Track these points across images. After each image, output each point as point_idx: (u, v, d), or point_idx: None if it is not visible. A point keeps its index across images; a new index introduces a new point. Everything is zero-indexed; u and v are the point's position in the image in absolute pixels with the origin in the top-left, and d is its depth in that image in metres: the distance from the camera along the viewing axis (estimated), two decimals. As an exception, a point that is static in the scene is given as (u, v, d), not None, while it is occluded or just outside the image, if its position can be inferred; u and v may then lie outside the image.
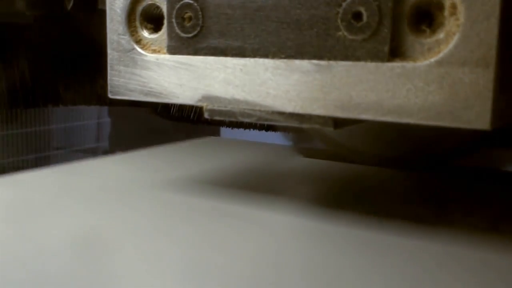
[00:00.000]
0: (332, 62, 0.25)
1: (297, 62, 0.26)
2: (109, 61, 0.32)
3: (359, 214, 0.33)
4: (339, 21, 0.25)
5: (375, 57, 0.24)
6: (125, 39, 0.31)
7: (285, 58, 0.27)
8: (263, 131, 0.79)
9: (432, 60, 0.23)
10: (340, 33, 0.25)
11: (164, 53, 0.30)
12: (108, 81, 0.32)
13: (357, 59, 0.25)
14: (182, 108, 0.81)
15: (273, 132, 0.79)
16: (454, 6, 0.23)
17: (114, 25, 0.32)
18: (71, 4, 0.65)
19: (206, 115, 0.29)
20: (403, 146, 0.48)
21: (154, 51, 0.31)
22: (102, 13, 0.33)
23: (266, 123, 0.28)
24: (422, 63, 0.23)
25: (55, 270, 0.25)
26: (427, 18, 0.24)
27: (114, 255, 0.27)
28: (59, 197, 0.37)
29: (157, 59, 0.30)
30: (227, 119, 0.29)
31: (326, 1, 0.25)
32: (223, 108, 0.29)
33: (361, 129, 0.46)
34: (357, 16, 0.24)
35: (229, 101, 0.28)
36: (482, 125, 0.22)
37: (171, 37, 0.30)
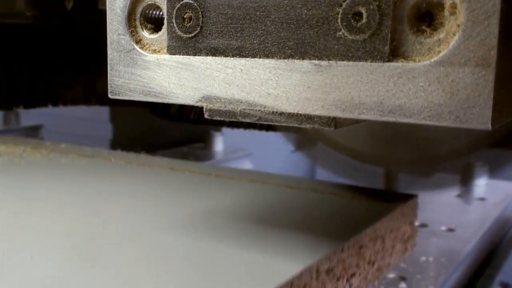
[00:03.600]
0: (332, 62, 0.25)
1: (298, 62, 0.26)
2: (109, 61, 0.32)
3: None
4: (339, 21, 0.25)
5: (376, 57, 0.24)
6: (125, 39, 0.31)
7: (285, 58, 0.27)
8: (264, 131, 0.79)
9: (433, 60, 0.23)
10: (340, 33, 0.25)
11: (164, 53, 0.30)
12: (109, 81, 0.32)
13: (358, 59, 0.25)
14: (182, 108, 0.81)
15: (273, 132, 0.79)
16: (454, 6, 0.23)
17: (114, 25, 0.32)
18: (71, 4, 0.64)
19: (206, 115, 0.29)
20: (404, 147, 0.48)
21: (154, 51, 0.31)
22: (102, 13, 0.33)
23: (266, 123, 0.28)
24: (422, 63, 0.23)
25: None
26: (427, 18, 0.24)
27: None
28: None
29: (157, 59, 0.30)
30: (227, 119, 0.29)
31: (327, 1, 0.25)
32: (223, 108, 0.29)
33: (362, 130, 0.46)
34: (357, 16, 0.24)
35: (229, 101, 0.28)
36: (482, 125, 0.22)
37: (171, 37, 0.30)
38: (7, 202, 0.44)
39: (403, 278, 0.36)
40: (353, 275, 0.35)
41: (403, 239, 0.43)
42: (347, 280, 0.34)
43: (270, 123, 0.28)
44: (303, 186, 0.49)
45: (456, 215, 0.53)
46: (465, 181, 0.68)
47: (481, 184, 0.67)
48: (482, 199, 0.61)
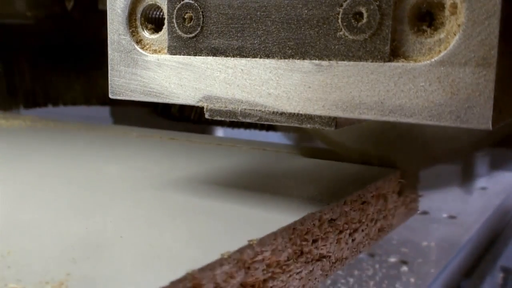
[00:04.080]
0: (333, 62, 0.25)
1: (298, 62, 0.26)
2: (109, 62, 0.32)
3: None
4: (339, 21, 0.25)
5: (376, 57, 0.24)
6: (126, 40, 0.31)
7: (286, 58, 0.27)
8: (264, 131, 0.79)
9: (433, 60, 0.23)
10: (341, 33, 0.25)
11: (165, 54, 0.30)
12: (109, 82, 0.32)
13: (358, 59, 0.25)
14: (183, 108, 0.81)
15: (274, 132, 0.79)
16: (454, 6, 0.23)
17: (114, 26, 0.32)
18: (71, 4, 0.65)
19: (206, 115, 0.29)
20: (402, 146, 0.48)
21: (155, 52, 0.31)
22: (103, 14, 0.33)
23: (267, 123, 0.28)
24: (423, 63, 0.23)
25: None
26: (427, 18, 0.24)
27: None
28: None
29: (158, 60, 0.30)
30: (228, 119, 0.29)
31: (327, 1, 0.25)
32: (224, 108, 0.29)
33: (361, 128, 0.46)
34: (358, 16, 0.24)
35: (230, 101, 0.28)
36: (483, 125, 0.22)
37: (171, 37, 0.30)
38: (10, 162, 0.45)
39: (404, 262, 0.37)
40: (355, 230, 0.36)
41: (405, 202, 0.43)
42: (349, 235, 0.35)
43: (271, 123, 0.28)
44: (305, 153, 0.49)
45: (457, 203, 0.53)
46: (467, 170, 0.68)
47: (483, 174, 0.67)
48: (483, 188, 0.62)
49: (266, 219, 0.30)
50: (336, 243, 0.33)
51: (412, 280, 0.34)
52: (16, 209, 0.32)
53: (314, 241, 0.31)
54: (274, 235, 0.28)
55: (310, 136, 0.55)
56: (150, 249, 0.26)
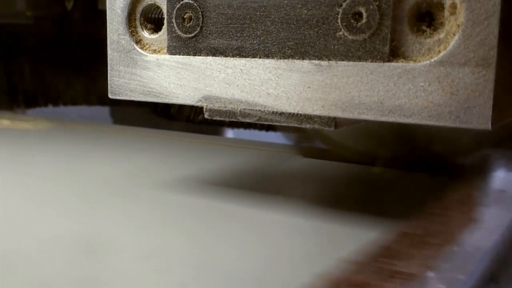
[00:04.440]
0: (332, 62, 0.25)
1: (298, 62, 0.26)
2: (109, 62, 0.32)
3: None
4: (339, 21, 0.25)
5: (376, 57, 0.24)
6: (125, 40, 0.31)
7: (285, 58, 0.27)
8: (263, 131, 0.79)
9: (433, 60, 0.23)
10: (340, 33, 0.25)
11: (165, 53, 0.30)
12: (109, 82, 0.32)
13: (358, 59, 0.25)
14: (182, 108, 0.81)
15: (273, 132, 0.79)
16: (454, 6, 0.23)
17: (114, 26, 0.32)
18: (71, 4, 0.64)
19: (206, 115, 0.29)
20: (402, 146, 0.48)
21: (154, 51, 0.31)
22: (103, 14, 0.33)
23: (266, 123, 0.28)
24: (422, 63, 0.23)
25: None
26: (427, 18, 0.24)
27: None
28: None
29: (158, 59, 0.30)
30: (227, 119, 0.29)
31: (327, 1, 0.25)
32: (223, 108, 0.29)
33: (360, 128, 0.46)
34: (357, 16, 0.24)
35: (230, 101, 0.28)
36: (482, 125, 0.22)
37: (171, 37, 0.30)
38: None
39: (430, 268, 0.36)
40: (429, 244, 0.35)
41: (467, 212, 0.43)
42: (424, 249, 0.34)
43: (270, 123, 0.28)
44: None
45: (477, 206, 0.53)
46: (484, 173, 0.67)
47: (500, 176, 0.66)
48: (502, 191, 0.61)
49: (344, 234, 0.29)
50: (414, 259, 0.33)
51: (440, 286, 0.33)
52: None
53: (393, 257, 0.31)
54: (360, 252, 0.27)
55: (309, 136, 0.55)
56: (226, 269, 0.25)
